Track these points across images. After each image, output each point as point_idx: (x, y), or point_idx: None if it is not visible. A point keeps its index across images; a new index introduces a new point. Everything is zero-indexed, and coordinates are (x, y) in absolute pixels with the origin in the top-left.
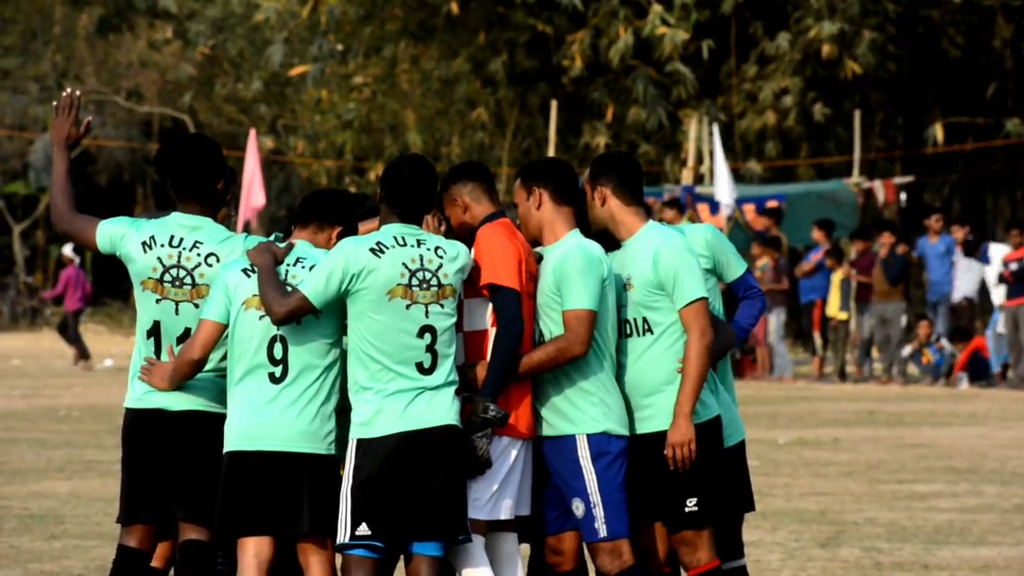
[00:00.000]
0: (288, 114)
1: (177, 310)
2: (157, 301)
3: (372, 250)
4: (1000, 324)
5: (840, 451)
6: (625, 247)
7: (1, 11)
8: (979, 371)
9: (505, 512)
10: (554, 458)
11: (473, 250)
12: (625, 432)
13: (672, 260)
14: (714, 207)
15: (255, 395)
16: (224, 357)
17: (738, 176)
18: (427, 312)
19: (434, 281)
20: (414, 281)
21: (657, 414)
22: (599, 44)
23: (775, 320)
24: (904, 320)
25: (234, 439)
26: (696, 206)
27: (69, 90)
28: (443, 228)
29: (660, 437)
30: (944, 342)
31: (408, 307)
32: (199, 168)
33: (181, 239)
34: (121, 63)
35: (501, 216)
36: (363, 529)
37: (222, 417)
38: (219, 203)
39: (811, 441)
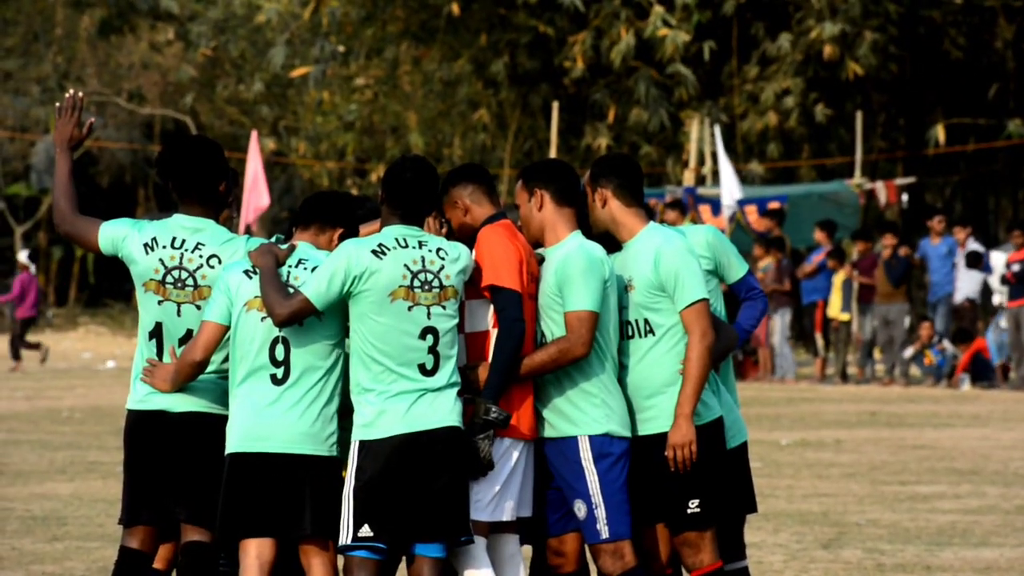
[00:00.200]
0: (290, 115)
1: (179, 312)
2: (159, 303)
3: (374, 252)
4: (1003, 322)
5: (842, 452)
6: (626, 248)
7: (3, 12)
8: (981, 372)
9: (507, 513)
10: (556, 459)
11: (474, 251)
12: (627, 433)
13: (673, 261)
14: (716, 208)
15: (257, 397)
16: (226, 359)
17: (740, 177)
18: (429, 313)
19: (436, 283)
20: (416, 283)
21: (659, 415)
22: (601, 45)
23: (780, 321)
24: (907, 321)
25: (236, 441)
26: (698, 207)
27: (72, 92)
28: (444, 230)
29: (662, 438)
30: (946, 343)
31: (410, 309)
32: (201, 170)
33: (183, 241)
34: (123, 65)
35: (502, 218)
36: (365, 530)
37: (224, 419)
38: (221, 205)
39: (813, 442)
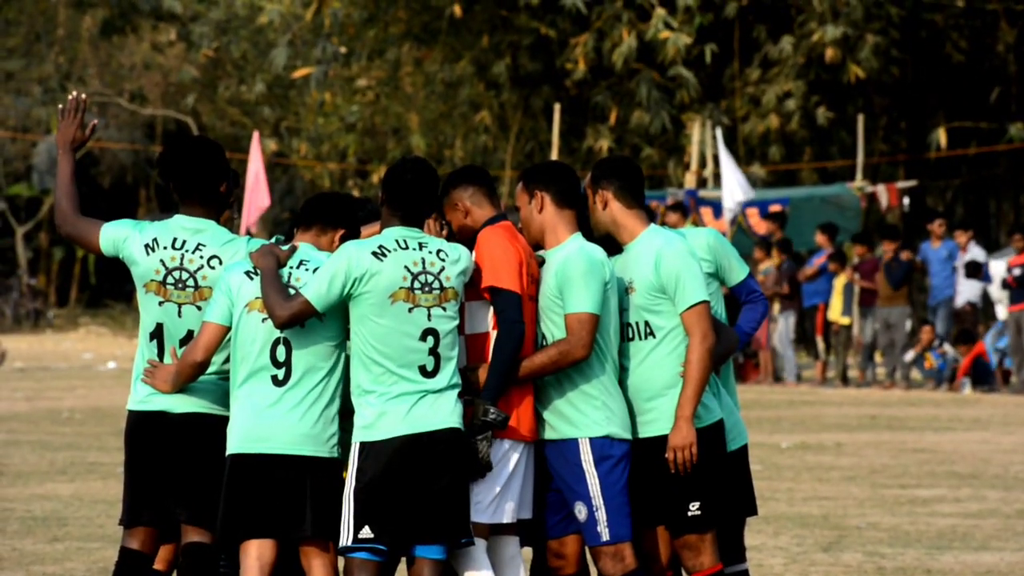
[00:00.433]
0: (291, 116)
1: (180, 312)
2: (160, 303)
3: (374, 253)
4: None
5: (843, 456)
6: (627, 251)
7: (5, 13)
8: (982, 376)
9: (507, 515)
10: (556, 461)
11: (474, 253)
12: (627, 436)
13: (674, 264)
14: (717, 211)
15: (258, 398)
16: (227, 360)
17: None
18: (429, 315)
19: (436, 284)
20: (416, 284)
21: (659, 418)
22: (602, 47)
23: (784, 324)
24: (908, 325)
25: (237, 442)
26: (699, 210)
27: (75, 94)
28: (444, 232)
29: (663, 441)
30: (947, 347)
31: (410, 310)
32: (202, 171)
33: (184, 241)
34: (124, 65)
35: (503, 219)
36: (366, 532)
37: (225, 419)
38: (222, 206)
39: (814, 445)
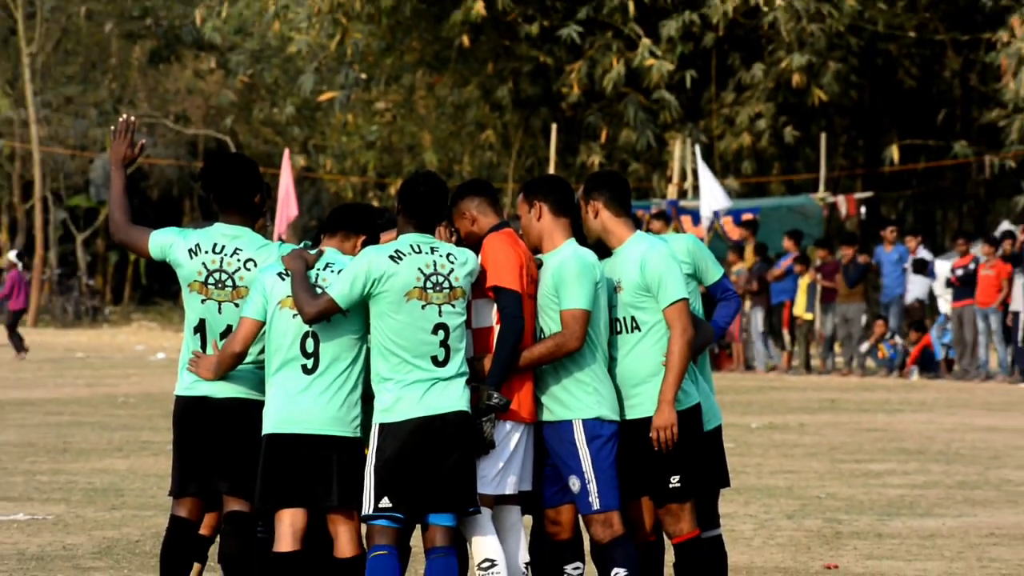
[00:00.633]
0: (318, 136)
1: (220, 309)
2: (202, 301)
3: (391, 257)
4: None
5: (805, 435)
6: (616, 254)
7: (64, 44)
8: (928, 364)
9: (510, 487)
10: (553, 440)
11: (480, 256)
12: (616, 418)
13: (657, 265)
14: (696, 219)
15: (290, 384)
16: (262, 351)
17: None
18: (440, 311)
19: (446, 284)
20: (428, 284)
21: (644, 402)
22: (594, 73)
23: (754, 318)
24: (864, 319)
25: (271, 423)
26: (680, 218)
27: (125, 116)
28: (454, 238)
29: (647, 422)
30: (897, 339)
31: (423, 307)
32: (239, 183)
33: (223, 246)
34: (170, 90)
35: (505, 227)
36: (385, 502)
37: (261, 403)
38: (257, 214)
39: (780, 426)
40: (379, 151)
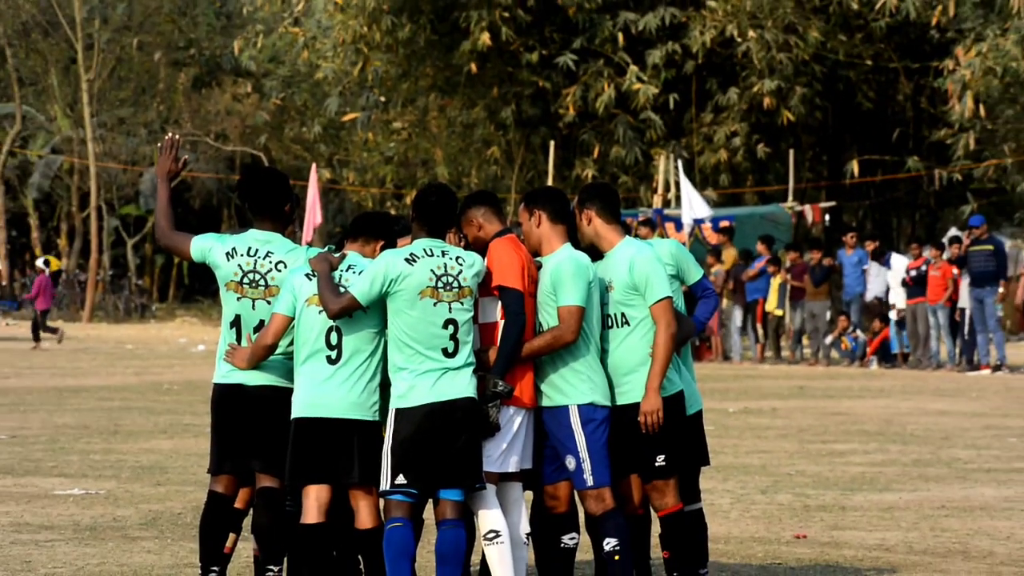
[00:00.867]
0: (342, 151)
1: (253, 306)
2: (238, 299)
3: (407, 259)
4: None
5: (777, 418)
6: (607, 257)
7: (118, 72)
8: (886, 355)
9: (512, 466)
10: (551, 424)
11: (486, 259)
12: (608, 403)
13: (644, 267)
14: (678, 226)
15: (316, 373)
16: (291, 343)
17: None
18: (450, 308)
19: (455, 284)
20: (440, 284)
21: (633, 389)
22: (588, 96)
23: (737, 314)
24: (828, 315)
25: (299, 408)
26: (664, 225)
27: (170, 134)
28: (462, 242)
29: (636, 407)
30: (859, 332)
31: (435, 304)
32: (271, 194)
33: (257, 250)
34: (211, 112)
35: (508, 232)
36: (401, 479)
37: (290, 391)
38: (287, 221)
39: (754, 410)
40: (396, 165)
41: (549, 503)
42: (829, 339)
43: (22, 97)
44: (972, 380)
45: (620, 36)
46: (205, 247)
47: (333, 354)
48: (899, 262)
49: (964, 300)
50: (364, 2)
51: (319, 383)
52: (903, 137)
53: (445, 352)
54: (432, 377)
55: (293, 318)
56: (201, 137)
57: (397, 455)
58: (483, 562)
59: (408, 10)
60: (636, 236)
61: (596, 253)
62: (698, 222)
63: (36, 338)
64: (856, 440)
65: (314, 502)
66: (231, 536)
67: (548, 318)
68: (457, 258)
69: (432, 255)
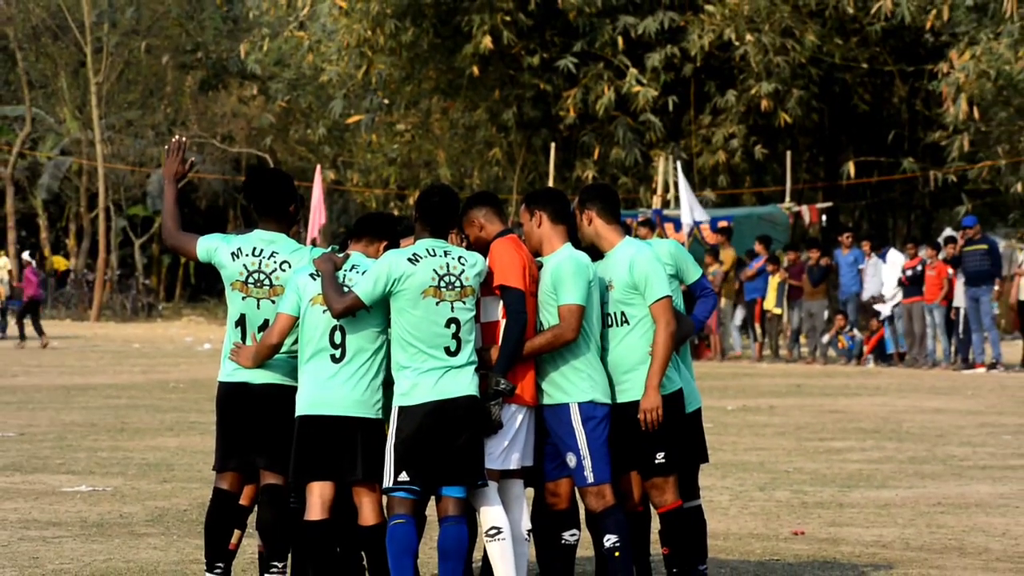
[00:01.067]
0: (346, 153)
1: (258, 305)
2: (243, 298)
3: (409, 259)
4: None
5: (775, 416)
6: (607, 257)
7: (126, 75)
8: (882, 354)
9: (514, 463)
10: (552, 421)
11: (487, 259)
12: (608, 401)
13: (644, 267)
14: (677, 226)
15: (320, 372)
16: (296, 342)
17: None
18: (452, 308)
19: (457, 283)
20: (442, 284)
21: (633, 387)
22: (588, 99)
23: (738, 313)
24: (826, 314)
25: (303, 406)
26: (664, 225)
27: (177, 136)
28: (464, 243)
29: (635, 405)
30: (855, 331)
31: (437, 304)
32: (276, 195)
33: (262, 250)
34: (217, 114)
35: (509, 233)
36: (404, 476)
37: (294, 389)
38: (291, 222)
39: (752, 408)
40: (399, 167)
41: (550, 500)
42: (826, 338)
43: (32, 100)
44: (967, 378)
45: (620, 40)
46: (211, 247)
47: (337, 353)
48: (895, 258)
49: (959, 299)
50: (368, 6)
51: (323, 381)
52: (898, 139)
53: (447, 351)
54: (435, 375)
55: (297, 317)
56: (207, 139)
57: (400, 452)
58: (485, 558)
59: (411, 14)
60: (636, 236)
61: (596, 253)
62: (697, 223)
63: (40, 332)
64: (853, 437)
65: (318, 499)
66: (236, 532)
67: (549, 317)
68: (459, 258)
69: (435, 255)
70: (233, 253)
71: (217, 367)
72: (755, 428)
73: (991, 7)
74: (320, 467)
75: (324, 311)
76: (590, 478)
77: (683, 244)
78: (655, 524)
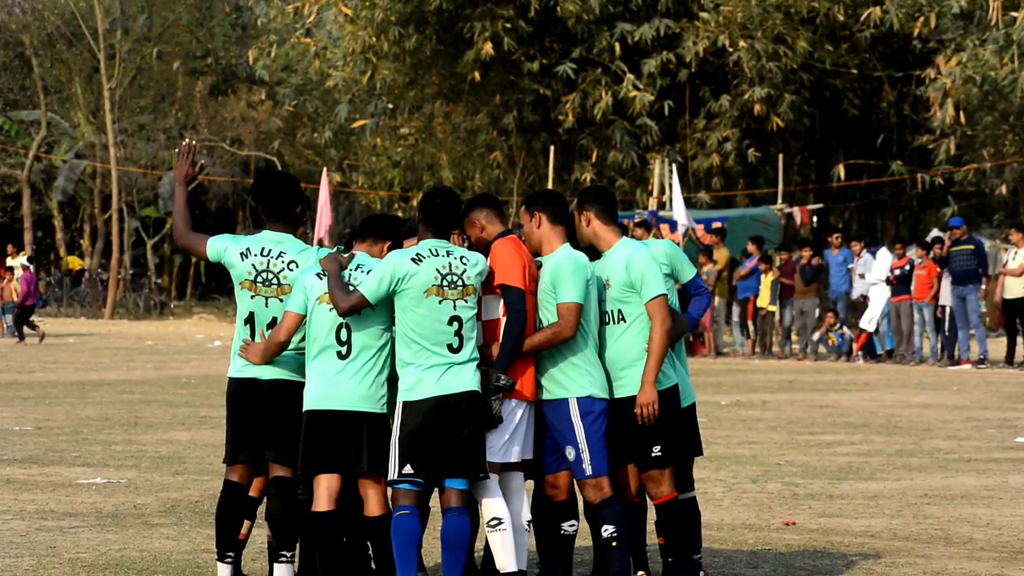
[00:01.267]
0: (351, 156)
1: (267, 304)
2: (252, 297)
3: (413, 259)
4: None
5: (767, 411)
6: (605, 257)
7: (138, 80)
8: (871, 351)
9: (514, 456)
10: (551, 416)
11: (488, 259)
12: (606, 396)
13: (640, 266)
14: (673, 227)
15: (326, 368)
16: (303, 339)
17: (690, 203)
18: (455, 306)
19: (459, 283)
20: (445, 283)
21: (630, 383)
22: (586, 103)
23: (733, 312)
24: (817, 312)
25: (311, 401)
26: (659, 226)
27: (187, 140)
28: (466, 243)
29: (632, 400)
30: (845, 329)
31: (440, 302)
32: (283, 197)
33: (270, 250)
34: (227, 118)
35: (510, 233)
36: (408, 469)
37: (302, 384)
38: (298, 223)
39: (745, 403)
40: (403, 169)
41: (549, 492)
42: (817, 335)
43: (47, 105)
44: (953, 374)
45: (617, 46)
46: (221, 247)
47: (343, 350)
48: (884, 257)
49: (946, 298)
50: (373, 14)
51: (330, 377)
52: (887, 142)
53: (450, 348)
54: (438, 371)
55: (305, 316)
56: (217, 143)
57: (404, 446)
58: (487, 548)
59: (415, 21)
60: (632, 237)
61: (594, 253)
62: (685, 225)
63: (20, 335)
64: (843, 432)
65: (325, 491)
66: (246, 523)
67: (548, 315)
68: (461, 258)
69: (437, 255)
70: (242, 253)
71: (227, 363)
72: (748, 422)
73: (977, 15)
74: (327, 460)
75: (331, 309)
76: (588, 471)
77: (678, 244)
78: (651, 515)
